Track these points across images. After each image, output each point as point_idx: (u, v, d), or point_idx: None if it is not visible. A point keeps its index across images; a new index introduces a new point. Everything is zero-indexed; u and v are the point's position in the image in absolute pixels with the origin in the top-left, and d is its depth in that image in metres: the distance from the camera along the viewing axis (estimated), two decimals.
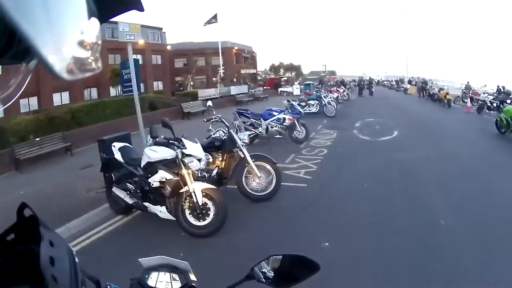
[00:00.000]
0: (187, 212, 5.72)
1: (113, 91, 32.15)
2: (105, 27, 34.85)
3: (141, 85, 9.61)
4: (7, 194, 9.50)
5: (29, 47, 0.47)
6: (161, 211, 5.91)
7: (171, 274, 1.23)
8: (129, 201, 6.32)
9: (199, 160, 5.95)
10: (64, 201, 7.85)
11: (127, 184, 6.39)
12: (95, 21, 0.64)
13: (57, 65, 0.51)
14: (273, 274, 1.31)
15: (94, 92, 33.52)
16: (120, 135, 7.93)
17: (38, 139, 15.03)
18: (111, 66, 31.75)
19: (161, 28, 45.35)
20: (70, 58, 0.55)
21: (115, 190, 6.62)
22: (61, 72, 0.52)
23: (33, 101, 28.91)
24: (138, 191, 6.10)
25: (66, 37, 0.55)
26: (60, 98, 30.87)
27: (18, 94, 0.72)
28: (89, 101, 27.49)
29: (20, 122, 17.26)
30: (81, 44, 0.58)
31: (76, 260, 0.84)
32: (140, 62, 10.46)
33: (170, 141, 5.93)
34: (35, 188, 9.89)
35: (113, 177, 6.75)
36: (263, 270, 1.33)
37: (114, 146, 6.67)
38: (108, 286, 1.12)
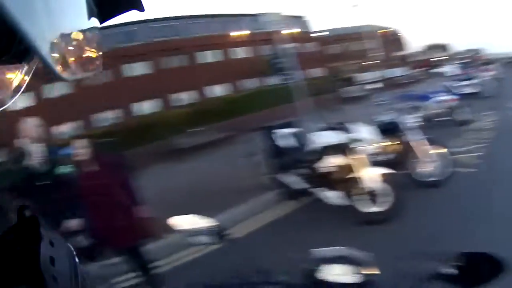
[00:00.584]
0: (358, 198, 5.53)
1: (269, 81, 33.07)
2: (248, 19, 36.00)
3: (297, 73, 9.70)
4: (166, 182, 10.38)
5: (30, 47, 0.45)
6: (331, 197, 5.80)
7: (349, 266, 1.15)
8: (297, 187, 6.35)
9: (368, 144, 5.81)
10: (229, 187, 8.19)
11: (295, 170, 6.42)
12: (95, 21, 0.63)
13: (58, 65, 0.50)
14: (454, 272, 1.16)
15: (250, 83, 34.71)
16: (285, 122, 7.97)
17: (197, 129, 16.06)
18: (263, 56, 32.65)
19: (304, 16, 45.25)
20: (71, 58, 0.55)
21: (283, 176, 6.71)
22: (61, 72, 0.52)
23: (189, 95, 31.25)
24: (306, 177, 6.11)
25: (66, 37, 0.54)
26: (217, 91, 32.61)
27: (18, 95, 0.73)
28: (245, 91, 28.72)
29: (176, 115, 18.55)
30: (81, 44, 0.57)
31: (77, 260, 0.76)
32: (292, 51, 10.59)
33: (338, 126, 5.85)
34: (198, 176, 10.53)
35: (280, 163, 6.84)
36: (443, 269, 1.18)
37: (280, 133, 6.78)
38: None
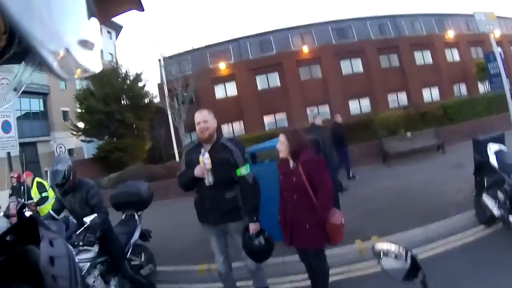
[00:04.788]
0: None
1: (481, 87, 30.39)
2: (459, 20, 33.27)
3: (506, 80, 8.80)
4: (371, 184, 10.45)
5: (29, 47, 0.47)
6: None
7: None
8: (496, 212, 5.75)
9: None
10: (429, 200, 7.89)
11: (498, 192, 5.82)
12: (95, 21, 0.64)
13: (57, 65, 0.52)
14: None
15: (462, 88, 32.29)
16: (494, 136, 7.09)
17: (409, 134, 15.53)
18: (474, 60, 30.13)
19: None
20: (70, 58, 0.55)
21: (485, 197, 6.14)
22: (61, 72, 0.53)
23: (402, 96, 30.34)
24: (508, 202, 5.45)
25: (66, 37, 0.55)
26: (430, 94, 31.02)
27: (19, 93, 0.70)
28: (458, 97, 26.84)
29: (390, 116, 18.17)
30: (81, 44, 0.58)
31: (76, 260, 0.81)
32: (503, 55, 9.41)
33: None
34: (401, 182, 10.34)
35: (485, 182, 6.29)
36: None
37: (490, 149, 6.19)
38: None
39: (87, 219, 4.55)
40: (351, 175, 12.37)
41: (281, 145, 4.25)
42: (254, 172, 4.47)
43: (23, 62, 0.68)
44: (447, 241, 6.07)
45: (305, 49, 30.34)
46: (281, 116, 29.69)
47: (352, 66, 30.91)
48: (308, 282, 4.80)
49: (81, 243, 4.44)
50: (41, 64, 0.54)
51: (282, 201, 4.39)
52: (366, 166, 14.34)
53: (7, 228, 0.93)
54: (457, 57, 32.83)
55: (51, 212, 5.24)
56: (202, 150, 4.19)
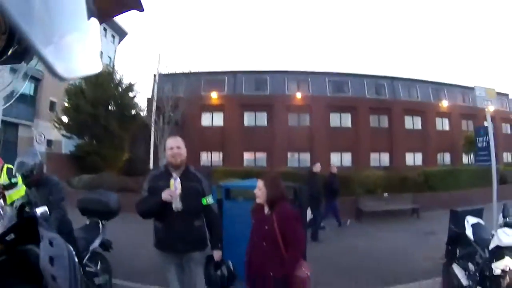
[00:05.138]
0: None
1: (465, 159, 30.81)
2: (456, 92, 34.04)
3: (494, 156, 8.90)
4: (341, 240, 10.55)
5: (29, 47, 0.46)
6: None
7: None
8: (464, 282, 5.71)
9: None
10: (397, 262, 7.88)
11: (469, 263, 5.83)
12: (94, 21, 0.62)
13: (57, 65, 0.50)
14: None
15: (447, 157, 32.72)
16: (474, 209, 7.06)
17: (386, 195, 15.71)
18: (464, 132, 30.56)
19: (507, 95, 40.47)
20: (70, 58, 0.54)
21: (455, 266, 6.13)
22: (61, 72, 0.51)
23: (385, 157, 30.55)
24: (478, 274, 5.42)
25: (65, 37, 0.54)
26: (413, 159, 31.32)
27: (18, 94, 0.70)
28: (442, 166, 27.36)
29: (370, 175, 18.22)
30: (81, 44, 0.57)
31: (76, 260, 0.81)
32: (493, 130, 9.58)
33: None
34: (371, 242, 10.32)
35: (457, 252, 6.30)
36: None
37: (468, 221, 6.17)
38: None
39: (38, 210, 4.24)
40: (322, 224, 12.17)
41: (259, 190, 4.14)
42: (227, 209, 4.73)
43: (23, 62, 0.70)
44: None
45: (298, 95, 30.62)
46: (261, 156, 29.62)
47: (341, 120, 31.20)
48: None
49: None
50: (41, 64, 0.52)
51: (251, 244, 4.25)
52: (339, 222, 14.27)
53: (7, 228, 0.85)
54: (446, 127, 33.30)
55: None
56: (174, 175, 4.14)
